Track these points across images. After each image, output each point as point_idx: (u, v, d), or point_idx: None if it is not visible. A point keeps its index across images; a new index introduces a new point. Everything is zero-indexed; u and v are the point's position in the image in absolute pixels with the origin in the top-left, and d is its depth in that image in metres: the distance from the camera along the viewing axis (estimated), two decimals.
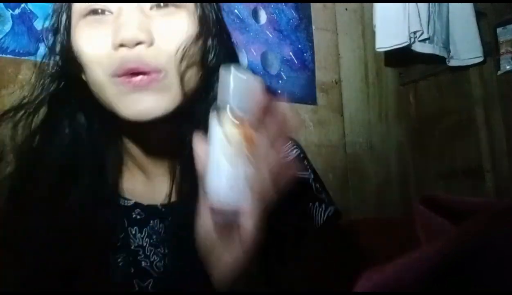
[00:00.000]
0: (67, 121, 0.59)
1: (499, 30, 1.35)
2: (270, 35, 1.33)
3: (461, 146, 1.47)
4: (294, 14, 1.40)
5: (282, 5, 1.37)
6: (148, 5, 0.54)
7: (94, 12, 0.54)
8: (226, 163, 0.36)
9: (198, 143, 0.42)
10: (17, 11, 0.94)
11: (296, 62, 1.37)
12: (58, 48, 0.56)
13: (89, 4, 0.54)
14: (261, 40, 1.31)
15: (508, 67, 1.32)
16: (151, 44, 0.52)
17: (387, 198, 1.53)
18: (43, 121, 0.58)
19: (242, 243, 0.40)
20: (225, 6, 0.64)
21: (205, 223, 0.43)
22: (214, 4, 0.59)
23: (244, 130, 0.36)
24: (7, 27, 0.93)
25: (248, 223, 0.39)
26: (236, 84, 0.36)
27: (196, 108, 0.56)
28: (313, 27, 1.44)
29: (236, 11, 1.27)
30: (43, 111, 0.58)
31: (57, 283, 0.55)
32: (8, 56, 0.92)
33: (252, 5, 1.31)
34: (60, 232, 0.55)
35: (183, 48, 0.53)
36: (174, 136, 0.58)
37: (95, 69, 0.53)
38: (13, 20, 0.94)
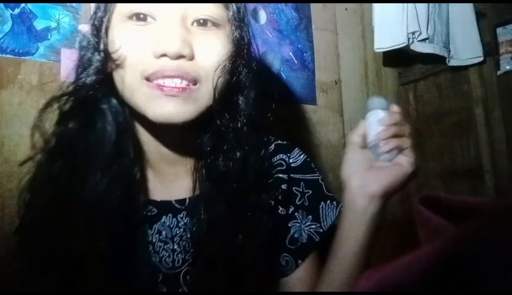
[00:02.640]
0: (106, 111, 0.61)
1: (499, 30, 1.35)
2: (270, 35, 1.33)
3: (461, 146, 1.47)
4: (294, 14, 1.40)
5: (282, 5, 1.37)
6: (190, 19, 0.57)
7: (138, 16, 0.56)
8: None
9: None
10: (16, 11, 0.94)
11: (296, 62, 1.37)
12: (101, 46, 0.58)
13: (134, 7, 0.56)
14: (261, 40, 1.31)
15: (508, 67, 1.32)
16: (191, 59, 0.55)
17: None
18: (81, 109, 0.60)
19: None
20: None
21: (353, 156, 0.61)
22: (248, 27, 0.63)
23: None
24: (7, 27, 0.93)
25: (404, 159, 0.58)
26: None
27: (218, 118, 0.59)
28: (313, 27, 1.44)
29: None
30: (79, 102, 0.59)
31: (62, 275, 0.56)
32: (7, 56, 0.92)
33: (252, 5, 1.30)
34: (76, 220, 0.56)
35: (218, 66, 0.57)
36: (192, 140, 0.61)
37: (131, 71, 0.55)
38: (13, 20, 0.93)
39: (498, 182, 1.36)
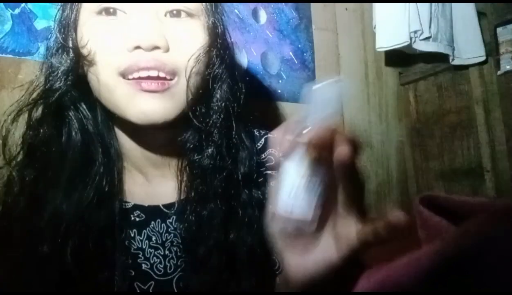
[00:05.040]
0: (72, 118, 0.58)
1: (499, 30, 1.35)
2: (270, 35, 1.33)
3: (461, 146, 1.47)
4: (294, 14, 1.40)
5: (282, 5, 1.37)
6: (162, 11, 0.54)
7: (107, 11, 0.54)
8: (296, 175, 0.37)
9: (274, 156, 0.43)
10: (17, 10, 0.94)
11: (296, 62, 1.37)
12: (69, 44, 0.56)
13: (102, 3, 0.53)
14: (261, 40, 1.31)
15: (508, 67, 1.32)
16: (167, 50, 0.53)
17: (387, 198, 1.53)
18: (48, 116, 0.58)
19: (317, 252, 0.39)
20: (225, 6, 0.65)
21: (274, 223, 0.42)
22: (221, 16, 0.61)
23: (312, 140, 0.36)
24: (7, 27, 0.93)
25: (323, 234, 0.38)
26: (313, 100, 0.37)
27: (198, 115, 0.57)
28: (313, 27, 1.44)
29: (236, 11, 1.27)
30: (48, 107, 0.58)
31: (54, 285, 0.54)
32: (8, 56, 0.92)
33: (252, 5, 1.30)
34: (58, 231, 0.54)
35: (196, 57, 0.54)
36: (175, 140, 0.59)
37: (105, 69, 0.53)
38: (13, 20, 0.93)
39: (498, 182, 1.36)
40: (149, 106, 0.52)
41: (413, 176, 1.60)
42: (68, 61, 0.55)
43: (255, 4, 1.31)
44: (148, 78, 0.52)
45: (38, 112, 0.58)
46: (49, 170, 0.57)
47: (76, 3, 0.56)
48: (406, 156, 1.62)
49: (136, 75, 0.52)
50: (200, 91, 0.57)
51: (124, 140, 0.62)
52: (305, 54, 1.40)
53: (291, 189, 0.38)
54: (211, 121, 0.58)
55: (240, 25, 1.27)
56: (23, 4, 0.95)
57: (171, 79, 0.53)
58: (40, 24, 0.96)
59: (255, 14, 1.31)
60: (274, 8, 1.35)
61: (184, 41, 0.54)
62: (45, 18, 0.97)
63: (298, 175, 0.38)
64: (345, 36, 1.53)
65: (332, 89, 0.37)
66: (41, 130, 0.57)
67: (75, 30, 0.55)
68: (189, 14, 0.56)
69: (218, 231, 0.56)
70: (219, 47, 0.58)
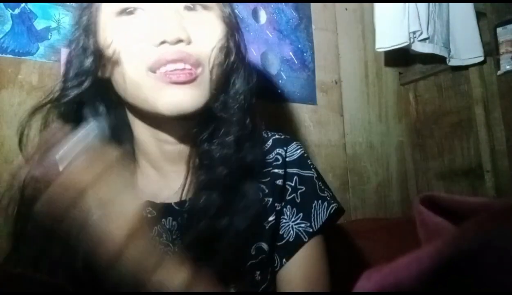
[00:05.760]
0: (91, 118, 0.60)
1: (499, 30, 1.35)
2: (270, 35, 1.33)
3: (461, 146, 1.47)
4: (294, 14, 1.40)
5: (282, 5, 1.37)
6: (181, 6, 0.57)
7: (127, 11, 0.56)
8: None
9: None
10: (16, 11, 0.94)
11: (296, 62, 1.37)
12: (91, 46, 0.57)
13: (121, 4, 0.56)
14: (261, 40, 1.31)
15: (508, 67, 1.32)
16: (189, 42, 0.56)
17: (387, 198, 1.53)
18: (65, 116, 0.59)
19: None
20: None
21: None
22: (234, 8, 0.64)
23: None
24: (7, 27, 0.93)
25: None
26: None
27: (218, 105, 0.59)
28: (313, 27, 1.44)
29: (236, 11, 1.27)
30: (68, 107, 0.59)
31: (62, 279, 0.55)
32: (8, 56, 0.92)
33: (252, 5, 1.30)
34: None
35: (218, 47, 0.57)
36: (191, 133, 0.60)
37: (133, 65, 0.55)
38: (13, 20, 0.93)
39: (498, 182, 1.36)
40: (179, 98, 0.55)
41: (413, 176, 1.60)
42: (88, 63, 0.57)
43: (255, 4, 1.31)
44: (176, 70, 0.54)
45: (55, 112, 0.59)
46: None
47: (95, 6, 0.58)
48: (406, 156, 1.62)
49: (164, 69, 0.54)
50: (221, 80, 0.59)
51: (142, 137, 0.63)
52: (305, 54, 1.40)
53: None
54: (230, 111, 0.60)
55: (240, 25, 1.27)
56: (23, 4, 0.95)
57: (197, 70, 0.56)
58: (40, 24, 0.96)
59: (255, 14, 1.31)
60: (274, 8, 1.35)
61: (204, 32, 0.57)
62: (45, 18, 0.97)
63: None
64: (345, 36, 1.53)
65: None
66: (68, 128, 0.59)
67: (95, 33, 0.57)
68: (204, 7, 0.59)
69: (224, 226, 0.57)
70: (236, 37, 0.61)
